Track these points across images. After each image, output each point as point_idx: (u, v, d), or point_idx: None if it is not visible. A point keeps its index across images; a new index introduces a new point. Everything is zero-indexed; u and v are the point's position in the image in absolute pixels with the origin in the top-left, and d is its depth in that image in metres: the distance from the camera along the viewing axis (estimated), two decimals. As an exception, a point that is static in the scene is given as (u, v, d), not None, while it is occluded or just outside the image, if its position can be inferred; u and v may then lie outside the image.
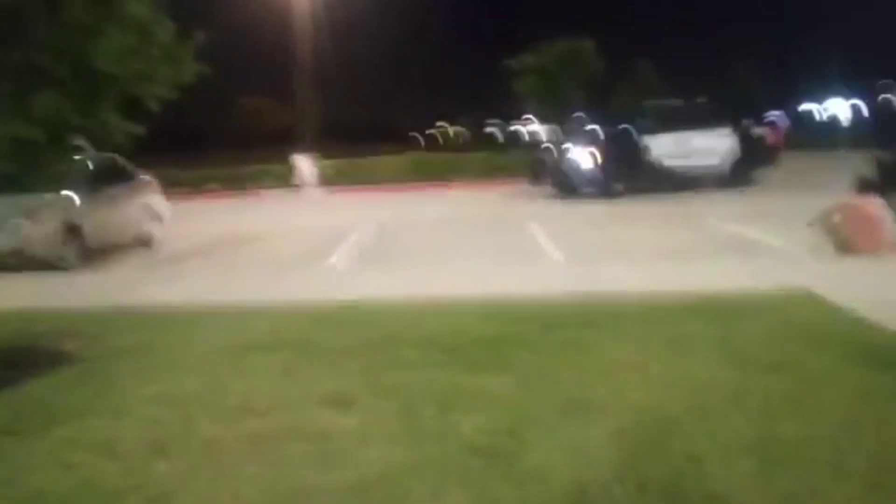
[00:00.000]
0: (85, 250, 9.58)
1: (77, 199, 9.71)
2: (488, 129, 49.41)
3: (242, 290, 7.68)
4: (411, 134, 53.53)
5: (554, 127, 25.25)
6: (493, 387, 4.33)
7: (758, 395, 3.98)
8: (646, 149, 16.02)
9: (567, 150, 16.86)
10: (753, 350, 4.75)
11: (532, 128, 32.85)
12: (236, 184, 22.72)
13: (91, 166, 10.31)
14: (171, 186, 21.82)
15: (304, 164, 22.59)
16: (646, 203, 14.47)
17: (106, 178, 10.56)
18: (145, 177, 11.91)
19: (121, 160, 11.35)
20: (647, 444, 3.49)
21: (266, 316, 6.31)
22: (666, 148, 15.91)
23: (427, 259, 9.43)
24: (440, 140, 56.10)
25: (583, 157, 16.35)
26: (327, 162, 23.08)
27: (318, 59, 32.33)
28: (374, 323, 5.92)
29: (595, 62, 25.02)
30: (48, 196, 9.44)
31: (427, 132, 58.25)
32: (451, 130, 58.87)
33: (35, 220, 9.07)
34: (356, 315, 6.22)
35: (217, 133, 39.67)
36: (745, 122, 17.38)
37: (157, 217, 11.81)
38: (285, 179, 22.57)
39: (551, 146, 17.93)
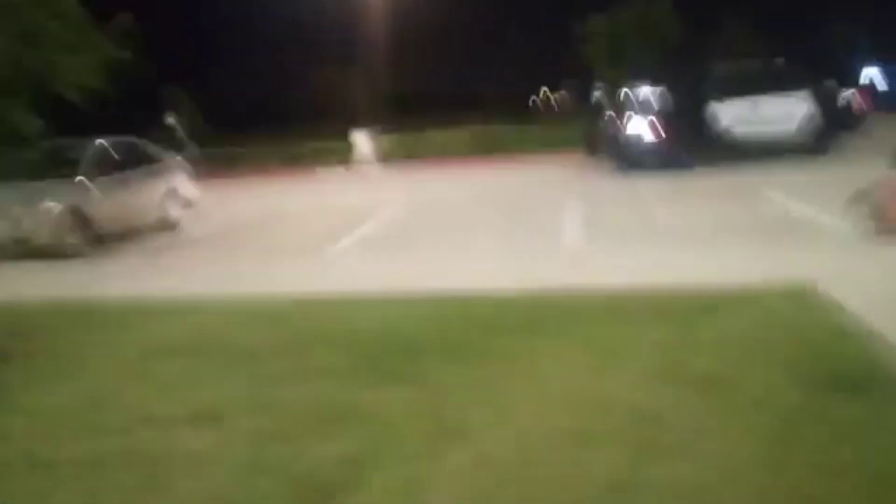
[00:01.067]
0: (94, 237, 9.51)
1: (85, 185, 9.66)
2: (595, 94, 46.80)
3: (224, 281, 7.43)
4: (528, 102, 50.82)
5: (662, 90, 23.52)
6: (381, 404, 3.86)
7: (663, 423, 3.32)
8: (713, 116, 14.77)
9: (627, 118, 15.77)
10: (699, 362, 4.05)
11: (640, 92, 30.41)
12: (297, 161, 22.79)
13: (103, 151, 10.33)
14: (232, 164, 22.47)
15: (363, 140, 22.35)
16: (707, 176, 13.36)
17: (122, 163, 10.51)
18: (172, 159, 11.91)
19: (141, 143, 11.38)
20: (490, 484, 2.95)
21: (213, 311, 6.03)
22: (735, 115, 14.60)
23: (434, 245, 8.91)
24: (540, 108, 54.19)
25: (643, 126, 15.25)
26: (387, 137, 22.76)
27: (396, 26, 31.76)
28: (314, 320, 5.56)
29: (671, 22, 23.44)
30: (53, 183, 9.47)
31: (532, 99, 56.21)
32: (552, 97, 56.79)
33: (39, 207, 9.02)
34: (304, 310, 5.86)
35: (294, 107, 39.58)
36: (826, 84, 15.73)
37: (183, 200, 11.77)
38: (345, 156, 22.41)
39: (612, 114, 16.81)
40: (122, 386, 4.43)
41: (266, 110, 34.32)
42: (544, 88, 58.44)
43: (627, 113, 16.15)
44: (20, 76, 4.58)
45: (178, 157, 12.26)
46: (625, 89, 16.84)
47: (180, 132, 13.53)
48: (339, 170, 21.45)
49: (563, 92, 55.35)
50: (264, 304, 6.18)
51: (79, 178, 9.67)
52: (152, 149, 11.52)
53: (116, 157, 10.48)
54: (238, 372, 4.49)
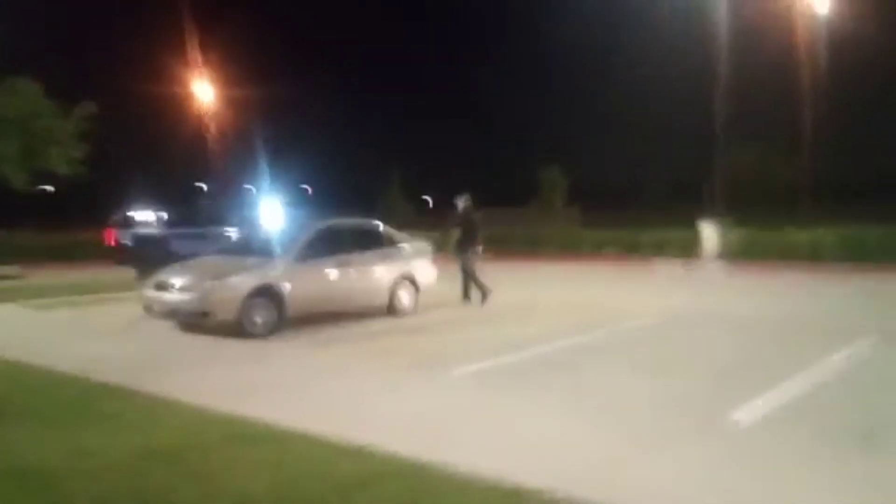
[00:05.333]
0: (282, 317, 9.60)
1: (285, 265, 9.86)
2: None
3: (277, 394, 6.80)
4: None
5: None
6: None
7: None
8: None
9: None
10: None
11: None
12: (636, 249, 21.19)
13: (323, 232, 10.57)
14: (576, 248, 21.90)
15: (710, 233, 19.71)
16: None
17: (344, 245, 10.65)
18: (410, 242, 11.83)
19: (375, 226, 11.55)
20: None
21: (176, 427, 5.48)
22: None
23: (592, 384, 7.03)
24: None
25: None
26: (737, 231, 19.67)
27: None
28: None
29: None
30: (256, 260, 9.93)
31: None
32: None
33: (227, 283, 9.33)
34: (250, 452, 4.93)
35: (709, 188, 36.44)
36: None
37: (415, 285, 11.54)
38: (688, 249, 20.04)
39: None
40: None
41: (636, 192, 32.76)
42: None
43: None
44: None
45: (423, 243, 12.16)
46: None
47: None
48: (676, 264, 19.25)
49: None
50: (239, 434, 5.39)
51: (282, 257, 9.99)
52: (388, 232, 11.59)
53: (338, 239, 10.66)
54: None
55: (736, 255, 19.03)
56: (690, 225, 20.66)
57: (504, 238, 23.17)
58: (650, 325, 10.11)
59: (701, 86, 24.02)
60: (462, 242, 12.45)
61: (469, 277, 12.45)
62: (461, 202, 12.84)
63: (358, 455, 4.84)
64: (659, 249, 20.78)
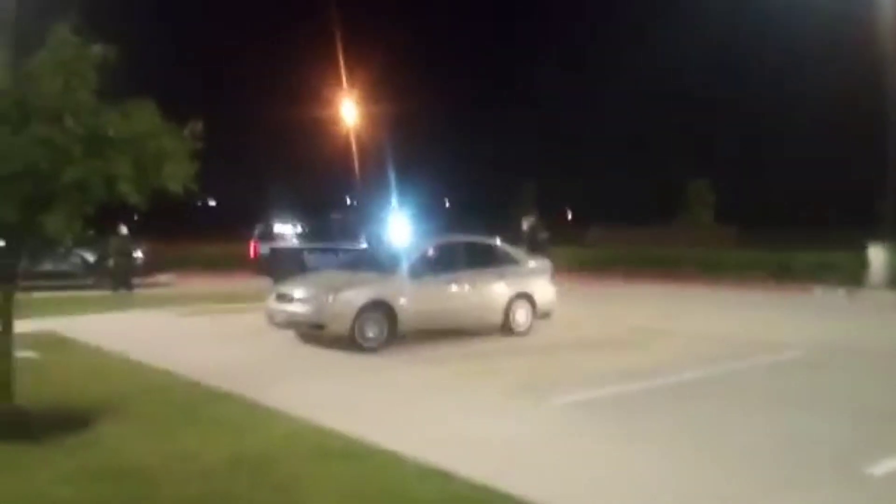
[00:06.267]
0: (394, 332, 9.52)
1: (398, 281, 9.82)
2: None
3: (383, 420, 6.56)
4: None
5: None
6: None
7: None
8: None
9: None
10: None
11: None
12: (788, 274, 19.42)
13: (436, 249, 10.50)
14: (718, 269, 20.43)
15: (879, 257, 17.67)
16: None
17: (458, 262, 10.50)
18: (530, 259, 11.48)
19: (485, 241, 11.31)
20: None
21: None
22: None
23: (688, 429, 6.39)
24: None
25: None
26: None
27: None
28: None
29: None
30: (364, 275, 9.94)
31: None
32: None
33: (341, 297, 9.34)
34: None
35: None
36: None
37: (532, 304, 11.09)
38: (856, 275, 18.05)
39: None
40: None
41: (794, 208, 29.67)
42: None
43: None
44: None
45: (543, 260, 11.76)
46: None
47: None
48: (837, 292, 17.44)
49: None
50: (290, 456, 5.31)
51: (397, 273, 9.99)
52: (505, 249, 11.28)
53: (454, 255, 10.57)
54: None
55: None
56: (857, 247, 18.66)
57: (640, 258, 22.11)
58: (791, 359, 9.10)
59: (874, 88, 21.56)
60: None
61: None
62: (526, 221, 12.68)
63: (439, 478, 4.72)
64: (818, 274, 18.92)
